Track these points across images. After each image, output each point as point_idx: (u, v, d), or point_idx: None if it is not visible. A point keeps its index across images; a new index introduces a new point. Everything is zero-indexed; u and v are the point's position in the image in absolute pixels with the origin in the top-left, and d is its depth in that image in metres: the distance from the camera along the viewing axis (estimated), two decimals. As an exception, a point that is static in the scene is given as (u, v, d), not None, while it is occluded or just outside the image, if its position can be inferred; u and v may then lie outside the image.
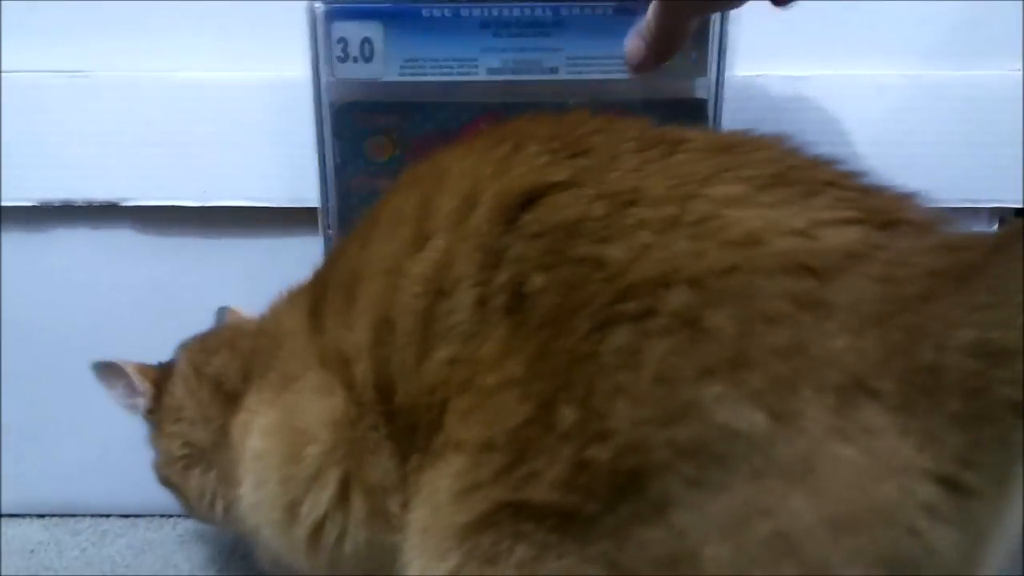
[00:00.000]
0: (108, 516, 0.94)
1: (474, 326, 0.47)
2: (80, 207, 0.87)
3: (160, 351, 0.78)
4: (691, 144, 0.48)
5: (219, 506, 0.73)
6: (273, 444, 0.58)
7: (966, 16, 0.80)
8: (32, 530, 0.94)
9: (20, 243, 0.89)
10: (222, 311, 0.83)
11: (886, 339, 0.38)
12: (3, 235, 0.89)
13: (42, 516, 0.95)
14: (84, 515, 0.95)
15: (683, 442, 0.39)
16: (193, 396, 0.73)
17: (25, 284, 0.90)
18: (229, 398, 0.70)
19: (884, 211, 0.44)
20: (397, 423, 0.52)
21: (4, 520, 0.95)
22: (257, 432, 0.60)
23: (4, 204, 0.87)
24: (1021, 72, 0.80)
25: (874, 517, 0.37)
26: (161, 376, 0.76)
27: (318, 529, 0.57)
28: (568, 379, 0.42)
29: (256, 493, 0.60)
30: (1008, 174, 0.80)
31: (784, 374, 0.38)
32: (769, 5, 0.62)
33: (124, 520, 0.94)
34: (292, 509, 0.57)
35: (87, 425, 0.91)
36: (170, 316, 0.82)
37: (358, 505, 0.56)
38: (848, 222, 0.42)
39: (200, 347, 0.76)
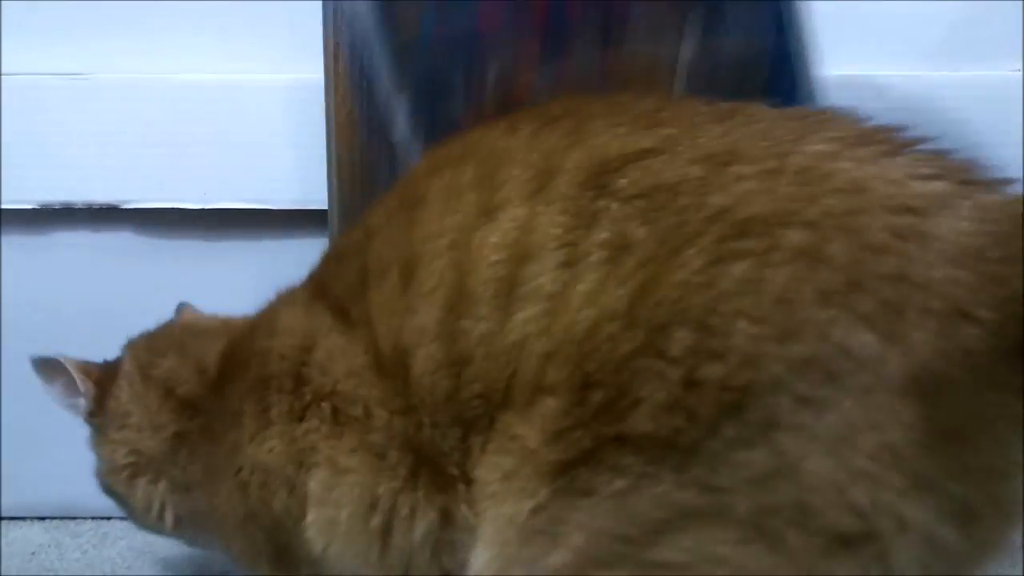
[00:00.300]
0: (109, 519, 0.94)
1: (558, 285, 0.49)
2: (80, 209, 0.87)
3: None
4: (766, 113, 0.52)
5: (169, 516, 0.71)
6: (360, 458, 0.57)
7: (966, 16, 0.80)
8: (33, 532, 0.94)
9: (20, 245, 0.89)
10: (181, 307, 0.79)
11: (981, 270, 0.43)
12: (3, 237, 0.89)
13: (43, 518, 0.95)
14: (85, 517, 0.95)
15: (798, 358, 0.43)
16: (140, 401, 0.70)
17: (26, 286, 0.90)
18: (184, 404, 0.68)
19: (960, 170, 0.48)
20: (465, 394, 0.53)
21: (5, 523, 0.94)
22: (342, 453, 0.58)
23: (4, 206, 0.87)
24: (1021, 72, 0.80)
25: (975, 430, 0.42)
26: (105, 376, 0.72)
27: (391, 511, 0.56)
28: (683, 307, 0.45)
29: (338, 500, 0.58)
30: (1007, 174, 0.80)
31: (892, 299, 0.43)
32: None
33: (125, 522, 0.93)
34: (373, 505, 0.57)
35: (88, 427, 0.91)
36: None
37: (425, 478, 0.56)
38: (932, 177, 0.47)
39: (147, 347, 0.73)
